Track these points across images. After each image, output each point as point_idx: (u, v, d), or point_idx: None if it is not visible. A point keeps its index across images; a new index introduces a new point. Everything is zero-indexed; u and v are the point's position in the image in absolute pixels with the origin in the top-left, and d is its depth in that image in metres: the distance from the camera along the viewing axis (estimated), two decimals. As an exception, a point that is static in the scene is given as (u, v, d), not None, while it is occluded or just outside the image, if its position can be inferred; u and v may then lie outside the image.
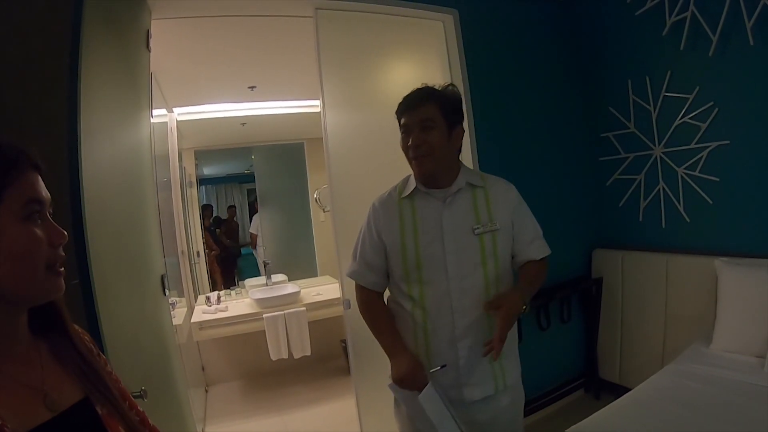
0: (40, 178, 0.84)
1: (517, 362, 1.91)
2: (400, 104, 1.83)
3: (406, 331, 1.84)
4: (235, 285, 5.03)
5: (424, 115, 1.74)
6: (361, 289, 1.94)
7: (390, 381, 1.79)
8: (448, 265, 1.74)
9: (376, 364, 2.90)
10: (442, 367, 1.76)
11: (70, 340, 0.92)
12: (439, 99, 1.78)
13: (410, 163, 1.81)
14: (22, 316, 0.84)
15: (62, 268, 0.84)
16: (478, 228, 1.75)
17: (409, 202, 1.84)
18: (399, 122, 1.83)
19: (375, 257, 1.86)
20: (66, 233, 0.85)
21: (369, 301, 1.92)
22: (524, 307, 1.67)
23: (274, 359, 4.25)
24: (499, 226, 1.78)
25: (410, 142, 1.75)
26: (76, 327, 0.98)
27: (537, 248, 1.85)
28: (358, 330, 2.89)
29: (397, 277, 1.84)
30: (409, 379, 1.72)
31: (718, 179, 3.03)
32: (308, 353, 4.37)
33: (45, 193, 0.83)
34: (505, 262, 1.82)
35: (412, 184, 1.84)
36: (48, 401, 0.81)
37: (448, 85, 1.86)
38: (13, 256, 0.76)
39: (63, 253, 0.84)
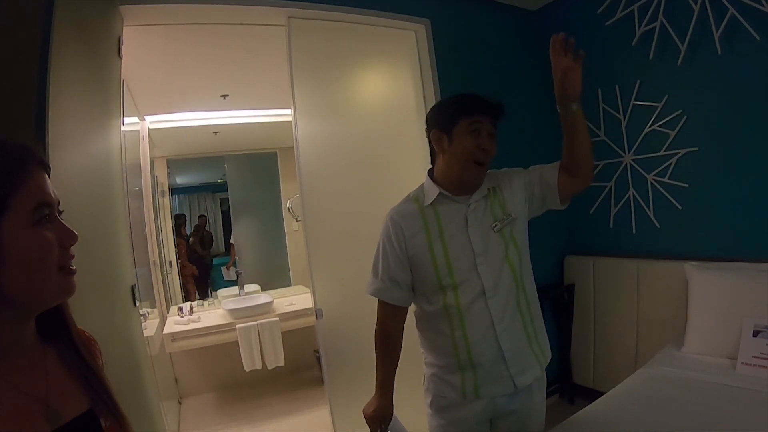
0: (47, 177, 0.82)
1: (547, 342, 1.92)
2: (476, 102, 1.75)
3: (444, 342, 1.81)
4: (208, 295, 4.96)
5: (494, 126, 1.75)
6: (385, 307, 1.87)
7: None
8: (478, 266, 1.74)
9: (349, 374, 2.90)
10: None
11: (75, 348, 0.90)
12: (502, 115, 1.78)
13: (466, 166, 1.74)
14: (29, 323, 0.82)
15: (73, 267, 0.82)
16: (496, 225, 1.77)
17: (431, 209, 1.80)
18: (460, 118, 1.74)
19: (400, 272, 1.81)
20: (76, 233, 0.82)
21: (390, 324, 1.87)
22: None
23: (247, 370, 4.21)
24: (514, 215, 1.80)
25: (483, 146, 1.71)
26: (86, 333, 0.97)
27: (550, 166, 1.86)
28: (331, 340, 2.88)
29: (428, 287, 1.80)
30: (373, 419, 1.83)
31: (687, 185, 3.09)
32: (282, 364, 4.33)
33: (54, 193, 0.81)
34: (523, 249, 1.83)
35: (434, 190, 1.80)
36: (49, 414, 0.78)
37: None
38: (25, 262, 0.75)
39: (73, 253, 0.83)
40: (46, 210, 0.78)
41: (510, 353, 1.76)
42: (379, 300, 1.87)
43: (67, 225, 0.82)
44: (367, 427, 1.86)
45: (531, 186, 1.85)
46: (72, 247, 0.82)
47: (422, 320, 1.89)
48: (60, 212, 0.83)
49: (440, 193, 1.79)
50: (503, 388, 1.78)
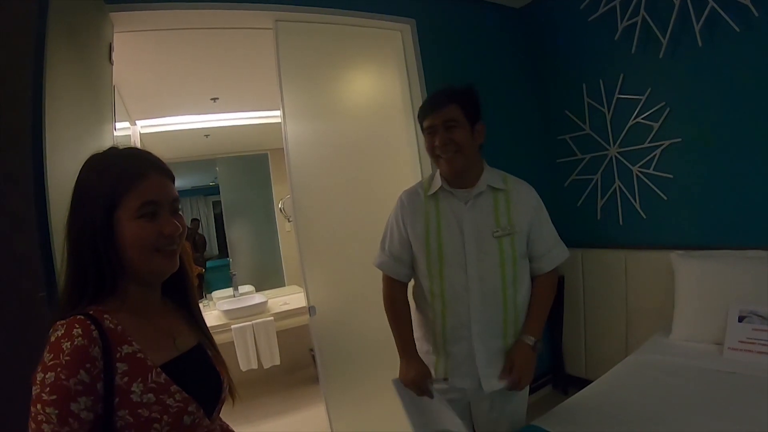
0: (162, 179, 1.07)
1: None
2: (423, 107, 1.88)
3: (426, 321, 1.91)
4: (202, 297, 4.97)
5: (447, 116, 1.79)
6: (388, 280, 1.98)
7: (397, 378, 1.91)
8: (467, 265, 1.79)
9: (344, 370, 2.92)
10: (445, 380, 1.88)
11: (188, 303, 1.24)
12: (460, 98, 1.82)
13: (437, 163, 1.86)
14: (157, 288, 1.14)
15: (171, 250, 1.07)
16: (497, 231, 1.81)
17: (433, 200, 1.88)
18: (422, 126, 1.87)
19: (402, 250, 1.92)
20: (178, 224, 1.07)
21: (394, 294, 1.97)
22: (536, 347, 1.83)
23: (243, 370, 4.21)
24: (518, 229, 1.84)
25: (436, 142, 1.79)
26: None
27: (551, 258, 1.95)
28: (325, 336, 2.90)
29: (420, 270, 1.90)
30: (415, 384, 1.84)
31: (671, 176, 3.13)
32: (277, 363, 4.35)
33: (163, 193, 1.06)
34: (522, 264, 1.88)
35: (438, 182, 1.89)
36: (177, 342, 1.12)
37: (467, 86, 1.88)
38: (130, 246, 1.01)
39: (176, 239, 1.07)
40: (150, 207, 1.03)
41: (481, 354, 1.82)
42: (383, 274, 1.99)
43: (171, 219, 1.06)
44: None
45: (532, 238, 1.92)
46: (174, 236, 1.06)
47: (416, 294, 1.99)
48: (178, 209, 1.11)
49: (441, 187, 1.87)
50: (470, 383, 1.85)
